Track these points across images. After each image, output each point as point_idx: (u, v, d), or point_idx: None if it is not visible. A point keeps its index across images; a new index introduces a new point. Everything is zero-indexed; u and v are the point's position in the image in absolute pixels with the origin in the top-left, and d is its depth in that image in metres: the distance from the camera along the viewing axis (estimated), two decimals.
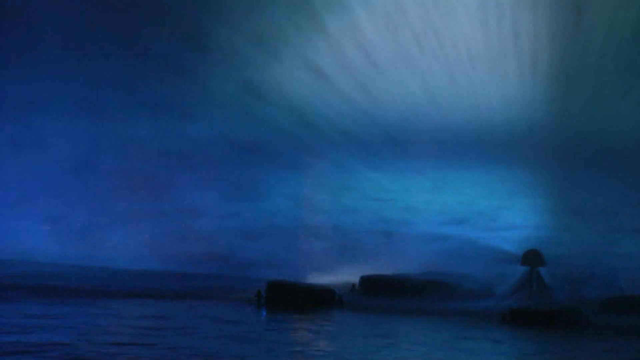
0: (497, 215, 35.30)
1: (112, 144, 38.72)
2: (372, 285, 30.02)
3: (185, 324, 19.07)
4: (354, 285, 30.39)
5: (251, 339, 16.91)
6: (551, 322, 22.98)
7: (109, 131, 38.66)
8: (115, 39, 37.25)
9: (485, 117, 35.73)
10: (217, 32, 36.92)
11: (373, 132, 37.20)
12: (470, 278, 30.03)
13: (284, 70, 37.31)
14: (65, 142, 38.33)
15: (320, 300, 25.98)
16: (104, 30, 37.22)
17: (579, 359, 16.79)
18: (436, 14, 36.09)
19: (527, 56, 35.32)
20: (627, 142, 33.40)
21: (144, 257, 35.77)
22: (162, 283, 30.64)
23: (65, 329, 16.72)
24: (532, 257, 30.77)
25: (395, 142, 36.99)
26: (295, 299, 25.51)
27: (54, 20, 37.08)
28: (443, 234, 34.94)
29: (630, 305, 25.96)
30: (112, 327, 18.15)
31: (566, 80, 34.80)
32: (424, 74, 36.72)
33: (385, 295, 28.67)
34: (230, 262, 35.08)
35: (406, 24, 36.40)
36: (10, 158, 37.83)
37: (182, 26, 37.38)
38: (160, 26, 37.04)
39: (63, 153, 38.19)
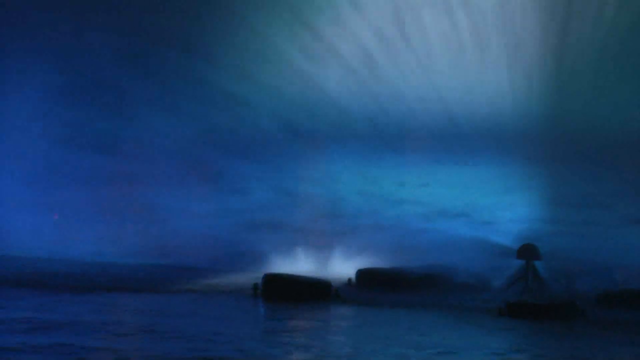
0: (493, 209, 35.38)
1: (99, 135, 38.65)
2: (368, 279, 30.07)
3: (186, 319, 18.92)
4: (350, 278, 30.43)
5: (253, 336, 16.80)
6: (547, 315, 23.05)
7: (99, 124, 38.57)
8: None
9: (481, 110, 35.75)
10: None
11: (368, 125, 37.20)
12: (466, 272, 30.13)
13: (276, 62, 37.21)
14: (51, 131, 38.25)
15: (317, 293, 25.99)
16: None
17: (575, 351, 16.84)
18: (432, 9, 36.02)
19: (525, 51, 35.33)
20: (624, 136, 33.48)
21: (131, 250, 35.68)
22: (153, 276, 30.44)
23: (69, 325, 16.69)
24: (527, 251, 30.86)
25: (390, 135, 36.99)
26: (291, 292, 25.51)
27: None
28: (438, 227, 35.02)
29: (625, 300, 26.05)
30: (112, 320, 18.07)
31: (564, 74, 34.83)
32: (419, 68, 36.68)
33: (382, 288, 28.74)
34: (225, 255, 35.08)
35: (401, 19, 36.33)
36: None
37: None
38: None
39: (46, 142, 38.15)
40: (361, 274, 30.64)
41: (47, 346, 13.31)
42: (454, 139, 35.96)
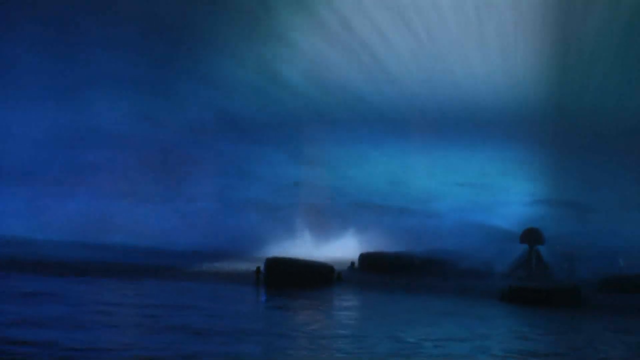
0: (496, 194, 35.33)
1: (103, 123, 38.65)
2: (371, 263, 30.08)
3: (188, 310, 18.57)
4: (353, 262, 30.45)
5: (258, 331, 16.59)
6: (549, 300, 22.95)
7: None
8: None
9: (485, 97, 35.57)
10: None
11: (373, 112, 37.07)
12: (470, 256, 30.08)
13: (285, 51, 37.04)
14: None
15: (320, 277, 25.94)
16: None
17: (576, 336, 16.82)
18: None
19: (528, 36, 35.05)
20: (626, 121, 33.31)
21: (135, 234, 35.61)
22: (155, 261, 29.98)
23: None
24: (531, 236, 30.80)
25: (394, 121, 36.87)
26: (294, 276, 25.42)
27: None
28: (442, 212, 35.02)
29: (628, 284, 25.99)
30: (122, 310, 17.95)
31: (566, 60, 34.60)
32: (424, 54, 36.47)
33: (384, 272, 28.75)
34: (227, 239, 35.04)
35: (405, 6, 36.03)
36: None
37: None
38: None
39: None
40: (364, 257, 30.62)
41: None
42: (458, 125, 35.83)
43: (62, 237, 35.41)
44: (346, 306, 20.45)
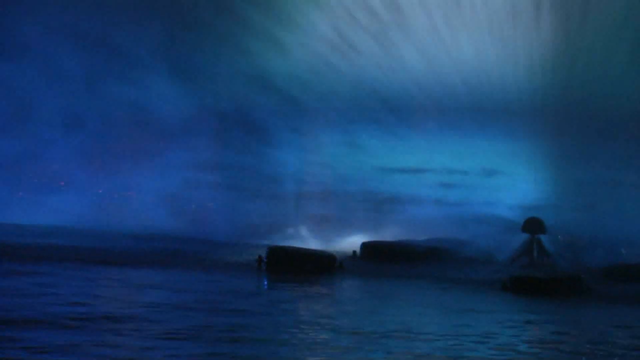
0: (498, 182, 35.29)
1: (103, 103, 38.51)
2: (373, 252, 30.04)
3: (196, 296, 18.47)
4: (354, 251, 30.44)
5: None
6: (552, 289, 22.94)
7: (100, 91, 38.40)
8: None
9: (487, 83, 35.41)
10: None
11: (374, 98, 36.90)
12: (471, 245, 30.09)
13: (286, 37, 36.80)
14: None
15: (322, 266, 25.97)
16: None
17: (579, 326, 16.80)
18: None
19: (531, 21, 34.83)
20: (632, 110, 33.17)
21: (132, 219, 35.51)
22: (154, 248, 29.77)
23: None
24: (533, 225, 30.75)
25: (395, 108, 36.72)
26: (296, 265, 25.47)
27: None
28: (443, 201, 35.00)
29: (631, 274, 26.01)
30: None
31: (571, 47, 34.40)
32: (425, 39, 36.27)
33: (386, 261, 28.73)
34: (229, 227, 35.03)
35: None
36: None
37: None
38: None
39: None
40: (366, 246, 30.61)
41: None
42: (460, 113, 35.70)
43: (63, 223, 35.40)
44: (347, 296, 20.46)
